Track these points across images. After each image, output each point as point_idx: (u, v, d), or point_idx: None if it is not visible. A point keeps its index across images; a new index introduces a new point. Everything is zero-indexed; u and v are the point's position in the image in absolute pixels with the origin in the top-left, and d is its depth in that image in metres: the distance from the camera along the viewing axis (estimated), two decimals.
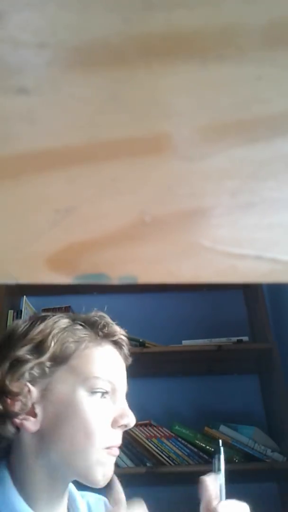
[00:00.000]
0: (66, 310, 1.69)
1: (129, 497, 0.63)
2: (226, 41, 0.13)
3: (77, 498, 0.61)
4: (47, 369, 0.53)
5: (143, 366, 1.41)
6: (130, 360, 0.63)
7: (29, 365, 0.53)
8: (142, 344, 1.50)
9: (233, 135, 0.14)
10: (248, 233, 0.17)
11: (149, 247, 0.17)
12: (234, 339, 1.56)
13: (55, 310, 1.69)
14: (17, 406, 0.52)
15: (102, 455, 0.53)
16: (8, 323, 1.61)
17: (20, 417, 0.52)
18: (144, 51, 0.13)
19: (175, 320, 1.72)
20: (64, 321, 0.58)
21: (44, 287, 1.67)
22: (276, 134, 0.14)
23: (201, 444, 1.40)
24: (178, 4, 0.12)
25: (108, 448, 0.53)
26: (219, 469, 0.73)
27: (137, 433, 1.41)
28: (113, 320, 0.64)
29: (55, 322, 0.57)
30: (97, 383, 0.55)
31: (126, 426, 0.56)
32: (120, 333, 0.61)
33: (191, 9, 0.12)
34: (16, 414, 0.52)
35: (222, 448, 0.72)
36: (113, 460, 0.55)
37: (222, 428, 1.44)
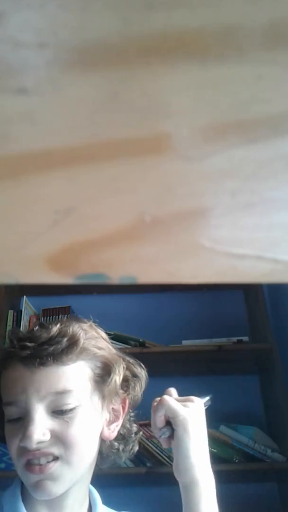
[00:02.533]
0: (66, 310, 1.69)
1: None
2: (226, 41, 0.13)
3: None
4: None
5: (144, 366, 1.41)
6: (60, 360, 0.56)
7: None
8: (142, 344, 1.50)
9: (233, 135, 0.14)
10: (248, 233, 0.17)
11: (149, 247, 0.17)
12: (234, 339, 1.57)
13: (55, 310, 1.69)
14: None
15: (23, 471, 0.54)
16: (8, 323, 1.61)
17: None
18: (144, 51, 0.13)
19: (175, 320, 1.72)
20: None
21: (44, 287, 1.67)
22: (276, 134, 0.14)
23: None
24: (178, 4, 0.12)
25: (26, 465, 0.53)
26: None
27: (140, 434, 1.41)
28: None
29: None
30: (6, 408, 0.55)
31: (25, 446, 0.53)
32: (9, 350, 0.56)
33: (191, 9, 0.12)
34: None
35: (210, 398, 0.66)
36: (38, 475, 0.52)
37: (222, 428, 1.44)
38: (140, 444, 1.47)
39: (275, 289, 1.71)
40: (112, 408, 0.61)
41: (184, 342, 1.57)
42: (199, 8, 0.12)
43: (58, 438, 0.53)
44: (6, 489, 0.60)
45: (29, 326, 1.64)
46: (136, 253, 0.17)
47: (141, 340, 1.51)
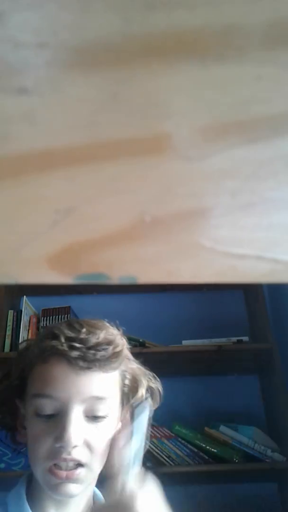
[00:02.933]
0: (66, 310, 1.69)
1: None
2: (226, 41, 0.13)
3: None
4: (21, 387, 0.59)
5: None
6: (103, 365, 0.56)
7: (5, 385, 0.62)
8: (142, 344, 1.50)
9: (233, 135, 0.14)
10: (248, 233, 0.17)
11: (149, 247, 0.17)
12: (234, 339, 1.56)
13: (55, 310, 1.69)
14: (19, 420, 0.60)
15: (46, 473, 0.53)
16: (8, 323, 1.61)
17: (20, 429, 0.60)
18: (144, 51, 0.13)
19: (175, 320, 1.72)
20: (25, 344, 0.62)
21: (44, 287, 1.67)
22: (276, 134, 0.14)
23: (201, 444, 1.40)
24: (179, 4, 0.12)
25: (51, 466, 0.52)
26: (136, 420, 0.60)
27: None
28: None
29: (19, 346, 0.62)
30: (38, 401, 0.55)
31: (62, 447, 0.52)
32: (58, 347, 0.55)
33: (192, 9, 0.12)
34: (18, 427, 0.61)
35: (149, 400, 0.64)
36: (62, 479, 0.52)
37: (222, 428, 1.44)
38: None
39: (275, 289, 1.71)
40: (124, 417, 0.62)
41: (184, 342, 1.57)
42: (199, 8, 0.12)
43: (88, 445, 0.54)
44: (10, 490, 0.60)
45: (29, 326, 1.64)
46: (136, 253, 0.17)
47: (141, 340, 1.51)
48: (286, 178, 0.15)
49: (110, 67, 0.13)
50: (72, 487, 0.53)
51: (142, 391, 0.62)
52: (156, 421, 1.59)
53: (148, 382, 0.65)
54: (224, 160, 0.15)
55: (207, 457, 1.36)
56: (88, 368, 0.55)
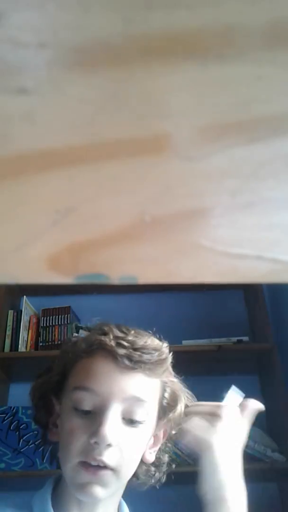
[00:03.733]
0: (66, 310, 1.69)
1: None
2: (226, 41, 0.13)
3: None
4: (60, 384, 0.59)
5: None
6: (146, 368, 0.56)
7: (45, 379, 0.61)
8: None
9: (233, 135, 0.14)
10: (248, 233, 0.17)
11: (149, 247, 0.17)
12: (234, 339, 1.56)
13: (55, 310, 1.69)
14: (52, 418, 0.60)
15: (75, 468, 0.52)
16: (8, 323, 1.61)
17: (52, 427, 0.60)
18: (144, 51, 0.13)
19: (175, 320, 1.72)
20: (71, 340, 0.61)
21: (44, 287, 1.67)
22: (276, 134, 0.14)
23: None
24: (178, 4, 0.12)
25: (81, 462, 0.52)
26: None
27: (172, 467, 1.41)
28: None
29: (65, 342, 0.62)
30: (77, 394, 0.54)
31: (96, 443, 0.51)
32: (107, 342, 0.56)
33: (191, 9, 0.12)
34: (50, 425, 0.61)
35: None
36: (90, 477, 0.52)
37: None
38: None
39: (275, 289, 1.71)
40: (156, 434, 0.62)
41: (184, 342, 1.57)
42: (199, 8, 0.12)
43: (120, 449, 0.53)
44: (37, 491, 0.59)
45: (29, 326, 1.64)
46: (136, 253, 0.17)
47: None
48: (286, 178, 0.15)
49: (110, 67, 0.13)
50: (98, 489, 0.52)
51: (181, 408, 0.62)
52: None
53: (186, 400, 0.65)
54: (224, 160, 0.15)
55: None
56: (133, 368, 0.55)
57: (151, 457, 0.62)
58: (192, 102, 0.14)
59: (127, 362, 0.55)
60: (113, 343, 0.56)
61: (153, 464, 0.63)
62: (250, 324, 1.72)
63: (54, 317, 1.67)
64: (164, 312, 1.75)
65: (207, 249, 0.17)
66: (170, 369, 0.63)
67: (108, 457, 0.51)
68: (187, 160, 0.15)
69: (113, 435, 0.52)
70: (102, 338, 0.57)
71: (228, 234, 0.17)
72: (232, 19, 0.12)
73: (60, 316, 1.67)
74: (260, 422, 1.55)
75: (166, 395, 0.61)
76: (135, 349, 0.56)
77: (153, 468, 0.64)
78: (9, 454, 1.43)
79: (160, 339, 0.64)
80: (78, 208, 0.16)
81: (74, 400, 0.54)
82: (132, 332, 0.59)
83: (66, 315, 1.67)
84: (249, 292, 1.76)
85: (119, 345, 0.56)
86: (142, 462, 0.60)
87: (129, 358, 0.55)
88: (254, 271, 0.17)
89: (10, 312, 1.64)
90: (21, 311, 1.63)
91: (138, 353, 0.56)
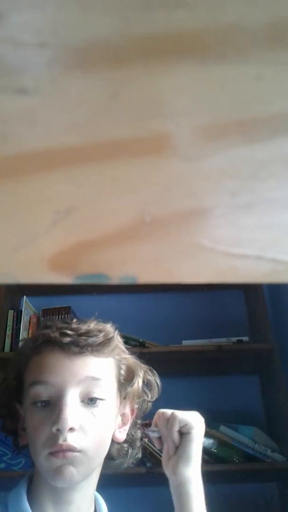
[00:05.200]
0: (66, 310, 1.69)
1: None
2: (226, 41, 0.13)
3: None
4: (18, 387, 0.60)
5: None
6: (94, 351, 0.59)
7: (3, 388, 0.63)
8: (142, 344, 1.50)
9: (233, 135, 0.14)
10: (248, 233, 0.17)
11: (149, 247, 0.17)
12: (234, 339, 1.56)
13: (55, 310, 1.69)
14: (19, 423, 0.62)
15: (46, 460, 0.54)
16: (8, 323, 1.61)
17: (21, 432, 0.61)
18: (144, 51, 0.13)
19: (175, 320, 1.72)
20: (21, 342, 0.65)
21: (44, 287, 1.67)
22: (276, 134, 0.14)
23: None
24: (178, 4, 0.12)
25: (51, 453, 0.53)
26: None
27: (137, 433, 1.41)
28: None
29: (14, 350, 0.66)
30: (33, 390, 0.56)
31: (58, 430, 0.53)
32: (49, 333, 0.58)
33: (191, 9, 0.12)
34: (19, 431, 0.62)
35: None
36: (61, 460, 0.53)
37: (222, 428, 1.44)
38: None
39: (275, 289, 1.71)
40: (123, 413, 0.64)
41: (184, 342, 1.57)
42: (199, 8, 0.12)
43: (83, 431, 0.55)
44: (11, 490, 0.60)
45: (29, 326, 1.64)
46: (136, 253, 0.17)
47: (141, 340, 1.51)
48: (286, 178, 0.15)
49: (110, 67, 0.13)
50: (71, 469, 0.53)
51: (138, 382, 0.64)
52: None
53: (145, 374, 0.67)
54: (224, 160, 0.15)
55: (207, 457, 1.36)
56: (80, 352, 0.57)
57: (121, 436, 0.64)
58: (192, 102, 0.14)
59: (74, 348, 0.57)
60: (56, 334, 0.58)
61: (125, 441, 0.65)
62: (250, 324, 1.72)
63: (54, 317, 1.67)
64: (164, 312, 1.75)
65: (207, 249, 0.17)
66: (122, 346, 0.65)
67: (73, 440, 0.53)
68: (187, 160, 0.15)
69: (73, 419, 0.53)
70: (45, 331, 0.59)
71: (228, 234, 0.17)
72: (232, 19, 0.12)
73: (60, 316, 1.67)
74: (260, 422, 1.55)
75: (122, 371, 0.63)
76: (80, 335, 0.58)
77: (125, 445, 0.66)
78: (9, 454, 1.43)
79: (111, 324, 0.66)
80: (78, 208, 0.16)
81: (32, 396, 0.56)
82: (75, 320, 0.61)
83: (66, 315, 1.67)
84: (249, 292, 1.76)
85: (63, 334, 0.58)
86: (114, 442, 0.62)
87: (75, 344, 0.57)
88: (254, 271, 0.17)
89: (10, 312, 1.64)
90: (21, 311, 1.63)
91: (83, 337, 0.58)
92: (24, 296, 1.67)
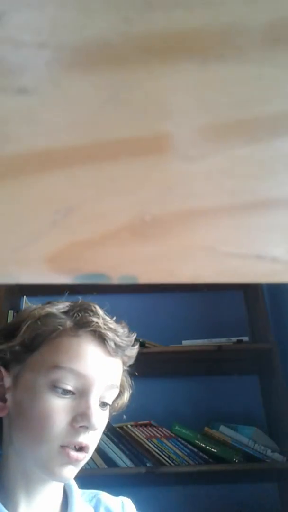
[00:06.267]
0: None
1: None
2: (226, 41, 0.13)
3: (76, 501, 0.57)
4: (18, 355, 0.54)
5: (143, 366, 1.41)
6: (122, 355, 0.56)
7: (1, 347, 0.55)
8: (142, 344, 1.50)
9: (233, 135, 0.14)
10: (248, 233, 0.17)
11: (149, 247, 0.17)
12: (234, 339, 1.56)
13: None
14: None
15: (55, 453, 0.50)
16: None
17: None
18: (144, 51, 0.13)
19: (175, 320, 1.72)
20: (42, 311, 0.57)
21: (44, 287, 1.67)
22: (276, 134, 0.14)
23: (201, 444, 1.40)
24: (178, 4, 0.12)
25: (63, 446, 0.50)
26: None
27: (137, 433, 1.41)
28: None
29: (32, 311, 0.57)
30: (58, 374, 0.51)
31: (86, 427, 0.50)
32: (100, 324, 0.54)
33: (191, 9, 0.12)
34: None
35: None
36: (71, 461, 0.50)
37: (222, 428, 1.44)
38: (140, 444, 1.47)
39: (275, 289, 1.71)
40: None
41: (184, 342, 1.57)
42: (199, 8, 0.12)
43: (97, 433, 0.53)
44: None
45: None
46: (136, 253, 0.17)
47: (141, 340, 1.51)
48: (286, 178, 0.15)
49: (110, 67, 0.13)
50: (72, 470, 0.51)
51: (126, 397, 0.62)
52: (156, 421, 1.60)
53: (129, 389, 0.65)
54: (224, 160, 0.15)
55: (207, 457, 1.36)
56: (116, 353, 0.55)
57: None
58: (192, 102, 0.14)
59: (114, 346, 0.54)
60: (102, 325, 0.54)
61: None
62: (250, 324, 1.72)
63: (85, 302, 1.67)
64: (164, 312, 1.75)
65: (207, 249, 0.17)
66: None
67: (89, 441, 0.51)
68: (187, 160, 0.15)
69: (98, 419, 0.51)
70: (95, 319, 0.54)
71: (228, 234, 0.17)
72: (232, 19, 0.12)
73: None
74: (260, 422, 1.55)
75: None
76: (118, 335, 0.56)
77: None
78: None
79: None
80: (78, 208, 0.16)
81: (53, 379, 0.51)
82: (110, 317, 0.58)
83: None
84: (249, 292, 1.76)
85: (110, 329, 0.55)
86: None
87: (115, 343, 0.54)
88: (254, 271, 0.17)
89: (10, 312, 1.64)
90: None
91: (119, 338, 0.55)
92: (24, 296, 1.67)
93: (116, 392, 0.56)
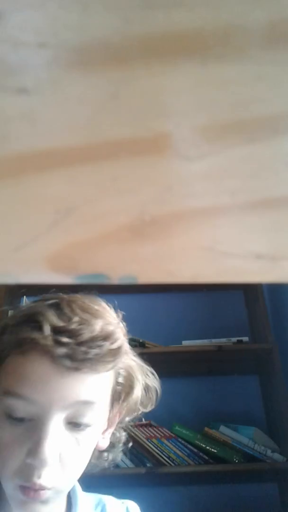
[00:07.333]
0: None
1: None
2: (226, 41, 0.13)
3: (80, 509, 0.54)
4: None
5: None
6: (97, 365, 0.45)
7: None
8: (142, 345, 1.50)
9: (233, 135, 0.14)
10: (248, 233, 0.17)
11: (149, 247, 0.17)
12: (234, 339, 1.57)
13: None
14: None
15: (16, 491, 0.43)
16: None
17: None
18: (144, 51, 0.13)
19: (175, 320, 1.72)
20: (2, 323, 0.49)
21: (44, 287, 1.67)
22: (276, 134, 0.14)
23: (201, 444, 1.40)
24: (178, 4, 0.12)
25: (23, 486, 0.43)
26: None
27: (137, 433, 1.41)
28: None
29: None
30: (9, 400, 0.44)
31: (33, 465, 0.42)
32: (46, 340, 0.43)
33: (191, 9, 0.12)
34: None
35: None
36: (31, 499, 0.42)
37: (222, 428, 1.44)
38: (140, 444, 1.47)
39: (275, 289, 1.71)
40: (109, 417, 0.53)
41: (184, 342, 1.57)
42: (199, 8, 0.12)
43: (62, 464, 0.44)
44: None
45: None
46: (136, 253, 0.17)
47: (141, 341, 1.51)
48: (286, 178, 0.15)
49: (110, 67, 0.13)
50: (39, 507, 0.44)
51: (137, 391, 0.53)
52: (156, 421, 1.60)
53: (145, 378, 0.56)
54: (224, 160, 0.15)
55: (207, 457, 1.36)
56: (77, 369, 0.44)
57: (104, 443, 0.54)
58: (192, 102, 0.14)
59: (68, 363, 0.43)
60: (49, 340, 0.43)
61: (106, 449, 0.55)
62: (250, 324, 1.72)
63: (44, 304, 1.67)
64: (164, 312, 1.75)
65: (207, 249, 0.17)
66: (127, 348, 0.51)
67: (47, 478, 0.43)
68: (187, 160, 0.15)
69: (54, 453, 0.43)
70: (34, 335, 0.44)
71: (228, 234, 0.17)
72: (232, 19, 0.12)
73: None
74: (260, 422, 1.55)
75: (121, 379, 0.51)
76: (80, 344, 0.44)
77: (105, 454, 0.56)
78: None
79: (114, 310, 0.53)
80: (78, 208, 0.16)
81: (7, 407, 0.44)
82: (77, 318, 0.46)
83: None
84: (249, 292, 1.76)
85: (58, 342, 0.43)
86: (94, 449, 0.52)
87: (71, 357, 0.43)
88: (254, 271, 0.17)
89: (10, 312, 1.64)
90: None
91: (83, 348, 0.44)
92: (24, 296, 1.67)
93: (92, 408, 0.46)
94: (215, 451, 1.37)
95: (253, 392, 1.63)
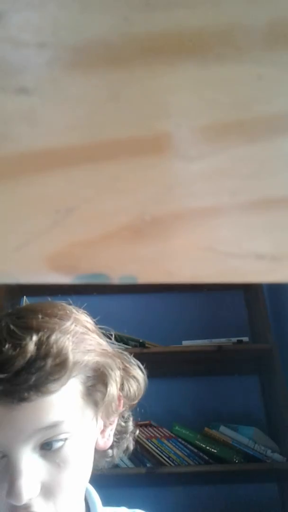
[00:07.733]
0: None
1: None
2: (226, 41, 0.13)
3: None
4: None
5: (143, 367, 1.41)
6: (50, 389, 0.41)
7: None
8: (142, 345, 1.50)
9: (233, 135, 0.14)
10: (248, 233, 0.17)
11: (149, 247, 0.17)
12: (234, 339, 1.57)
13: None
14: None
15: None
16: None
17: None
18: (144, 51, 0.13)
19: (175, 320, 1.72)
20: None
21: (44, 287, 1.67)
22: (276, 134, 0.14)
23: (201, 444, 1.40)
24: (178, 3, 0.12)
25: None
26: None
27: (137, 433, 1.41)
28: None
29: None
30: None
31: (15, 506, 0.40)
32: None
33: (191, 9, 0.12)
34: None
35: None
36: None
37: (222, 428, 1.44)
38: (140, 444, 1.47)
39: (275, 289, 1.71)
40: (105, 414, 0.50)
41: (184, 342, 1.57)
42: (199, 8, 0.12)
43: (49, 489, 0.42)
44: None
45: None
46: (136, 253, 0.17)
47: (141, 341, 1.51)
48: (286, 178, 0.15)
49: (110, 67, 0.13)
50: None
51: (113, 387, 0.48)
52: (156, 421, 1.60)
53: (125, 369, 0.52)
54: (224, 160, 0.15)
55: (207, 458, 1.36)
56: (23, 399, 0.40)
57: (106, 443, 0.51)
58: (192, 102, 0.14)
59: (10, 398, 0.40)
60: None
61: (110, 447, 0.53)
62: (250, 324, 1.72)
63: None
64: (164, 312, 1.75)
65: (207, 249, 0.17)
66: (86, 345, 0.46)
67: (36, 507, 0.41)
68: (187, 160, 0.15)
69: (32, 488, 0.41)
70: None
71: (228, 234, 0.17)
72: (232, 19, 0.12)
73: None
74: (260, 422, 1.55)
75: (90, 383, 0.46)
76: (17, 374, 0.39)
77: (110, 451, 0.54)
78: None
79: (63, 307, 0.48)
80: (78, 208, 0.16)
81: None
82: (7, 345, 0.40)
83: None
84: (249, 292, 1.76)
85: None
86: (96, 450, 0.49)
87: (11, 392, 0.40)
88: (254, 271, 0.17)
89: None
90: None
91: (23, 376, 0.39)
92: (24, 296, 1.68)
93: (62, 426, 0.42)
94: (215, 451, 1.37)
95: (253, 392, 1.63)
